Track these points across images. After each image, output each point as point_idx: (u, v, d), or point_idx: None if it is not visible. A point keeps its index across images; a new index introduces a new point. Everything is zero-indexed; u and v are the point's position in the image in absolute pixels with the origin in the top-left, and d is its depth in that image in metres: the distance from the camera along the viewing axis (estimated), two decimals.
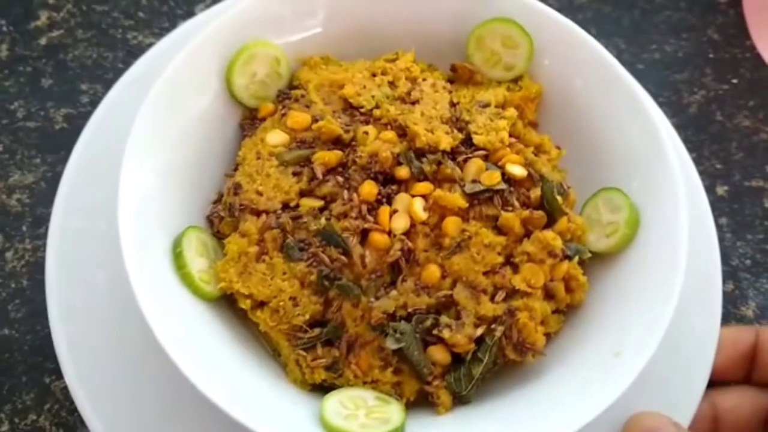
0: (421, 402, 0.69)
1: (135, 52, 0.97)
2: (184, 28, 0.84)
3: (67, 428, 0.79)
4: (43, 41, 0.99)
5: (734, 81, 1.02)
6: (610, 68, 0.74)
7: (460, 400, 0.69)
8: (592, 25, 0.74)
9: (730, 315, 0.88)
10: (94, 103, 0.84)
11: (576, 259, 0.71)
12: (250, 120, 0.79)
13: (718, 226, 0.85)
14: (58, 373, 0.72)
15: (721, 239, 0.82)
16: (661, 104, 0.89)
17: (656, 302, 0.67)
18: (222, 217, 0.73)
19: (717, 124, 1.00)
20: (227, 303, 0.72)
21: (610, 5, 1.04)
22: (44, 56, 0.98)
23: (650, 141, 0.72)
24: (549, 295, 0.70)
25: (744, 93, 1.02)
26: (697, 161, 0.88)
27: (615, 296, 0.71)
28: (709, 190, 0.87)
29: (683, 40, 1.03)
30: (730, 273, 0.91)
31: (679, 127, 0.92)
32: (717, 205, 0.93)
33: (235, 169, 0.76)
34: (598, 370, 0.66)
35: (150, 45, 0.87)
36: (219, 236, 0.74)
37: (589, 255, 0.72)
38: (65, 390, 0.76)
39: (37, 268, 0.83)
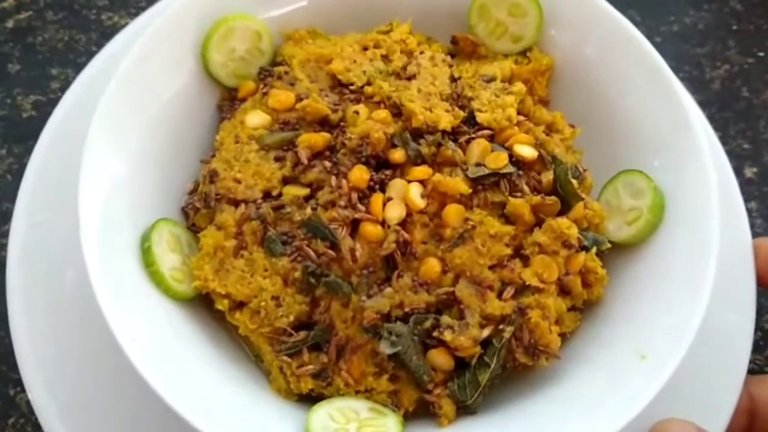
0: (421, 413, 0.61)
1: (110, 34, 0.89)
2: (161, 5, 0.77)
3: None
4: (9, 24, 0.92)
5: (760, 54, 0.94)
6: (627, 35, 0.67)
7: (465, 410, 0.61)
8: None
9: (764, 309, 0.80)
10: (65, 89, 0.76)
11: (594, 250, 0.63)
12: (229, 101, 0.71)
13: (748, 211, 0.77)
14: (23, 385, 0.65)
15: (750, 225, 0.74)
16: (681, 80, 0.81)
17: (685, 299, 0.59)
18: (197, 208, 0.66)
19: (743, 101, 0.92)
20: (203, 303, 0.65)
21: None
22: (11, 40, 0.91)
23: (674, 115, 0.65)
24: (564, 290, 0.63)
25: None
26: (723, 141, 0.81)
27: (638, 292, 0.64)
28: (737, 172, 0.79)
29: (704, 11, 0.96)
30: None
31: (702, 104, 0.84)
32: (745, 189, 0.84)
33: (213, 155, 0.69)
34: (622, 376, 0.58)
35: (126, 26, 0.80)
36: (194, 229, 0.67)
37: (609, 245, 0.64)
38: (31, 403, 0.69)
39: (1, 268, 0.76)
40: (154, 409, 0.55)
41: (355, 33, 0.72)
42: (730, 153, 0.79)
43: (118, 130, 0.64)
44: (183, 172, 0.69)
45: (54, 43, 0.91)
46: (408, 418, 0.61)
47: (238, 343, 0.65)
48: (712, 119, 0.81)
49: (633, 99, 0.68)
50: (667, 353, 0.57)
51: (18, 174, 0.82)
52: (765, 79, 0.93)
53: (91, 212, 0.60)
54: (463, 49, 0.73)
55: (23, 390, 0.71)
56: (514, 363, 0.61)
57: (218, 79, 0.70)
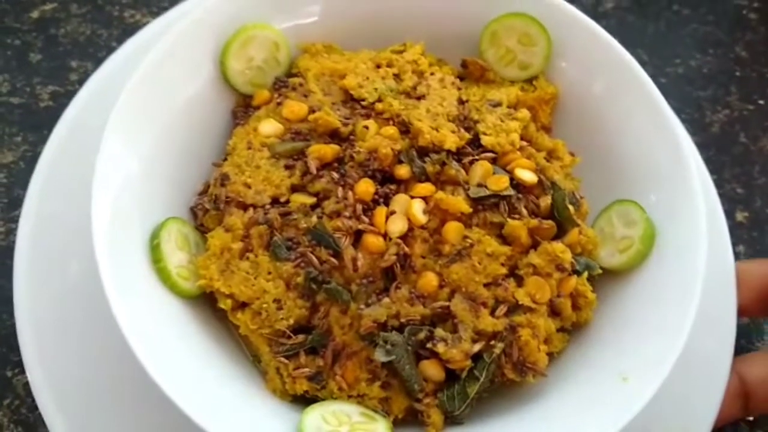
0: (409, 420, 0.63)
1: (131, 31, 0.91)
2: (184, 7, 0.80)
3: (27, 426, 0.73)
4: (35, 14, 0.94)
5: (761, 102, 0.96)
6: (633, 74, 0.69)
7: (452, 420, 0.63)
8: (616, 34, 0.68)
9: (743, 349, 0.82)
10: (83, 81, 0.79)
11: (585, 274, 0.65)
12: (243, 108, 0.73)
13: (736, 254, 0.79)
14: (21, 367, 0.67)
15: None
16: (683, 121, 0.84)
17: (668, 327, 0.62)
18: (206, 209, 0.68)
19: (740, 146, 0.93)
20: (207, 301, 0.67)
21: (634, 14, 0.98)
22: (35, 30, 0.93)
23: (672, 155, 0.67)
24: (554, 311, 0.65)
25: None
26: (718, 184, 0.82)
27: (624, 317, 0.66)
28: (729, 215, 0.80)
29: (709, 55, 0.97)
30: None
31: (701, 147, 0.83)
32: (735, 232, 0.87)
33: (224, 159, 0.71)
34: (604, 396, 0.60)
35: (146, 25, 0.82)
36: (202, 230, 0.69)
37: (600, 271, 0.67)
38: (27, 386, 0.71)
39: (8, 253, 0.77)
40: (151, 397, 0.57)
41: (369, 50, 0.75)
42: (723, 196, 0.81)
43: (134, 128, 0.66)
44: (194, 172, 0.71)
45: (76, 36, 0.93)
46: (397, 424, 0.62)
47: (237, 342, 0.67)
48: (708, 161, 0.83)
49: (633, 136, 0.70)
50: (648, 377, 0.59)
51: (31, 161, 0.84)
52: (763, 126, 0.94)
53: (102, 206, 0.61)
54: (472, 72, 0.75)
55: (21, 372, 0.74)
56: (502, 378, 0.63)
57: (235, 85, 0.72)
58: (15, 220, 0.81)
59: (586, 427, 0.58)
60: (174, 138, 0.70)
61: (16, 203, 0.81)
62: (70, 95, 0.84)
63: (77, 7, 0.95)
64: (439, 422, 0.62)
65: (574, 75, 0.73)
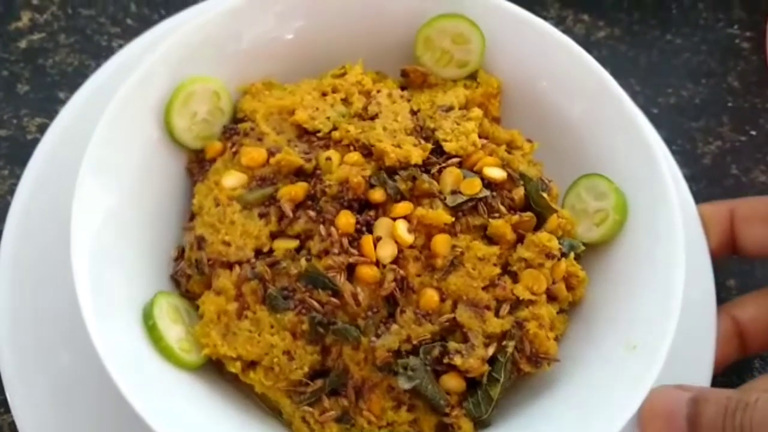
0: None
1: None
2: (157, 30, 0.79)
3: None
4: (22, 44, 0.91)
5: (753, 133, 0.94)
6: (571, 56, 0.71)
7: (480, 425, 0.65)
8: (607, 63, 0.68)
9: None
10: None
11: (572, 255, 0.67)
12: (197, 163, 0.72)
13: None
14: (7, 406, 0.67)
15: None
16: (674, 152, 0.84)
17: (662, 286, 0.64)
18: (189, 276, 0.67)
19: (731, 178, 0.91)
20: (212, 367, 0.66)
21: (626, 44, 0.97)
22: (22, 60, 0.90)
23: (621, 121, 0.70)
24: (551, 297, 0.66)
25: (762, 146, 0.93)
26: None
27: (614, 287, 0.68)
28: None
29: (701, 85, 0.96)
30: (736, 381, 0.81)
31: (692, 179, 0.86)
32: (726, 265, 0.85)
33: (191, 219, 0.70)
34: (618, 368, 0.63)
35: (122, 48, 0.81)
36: (189, 296, 0.68)
37: (583, 248, 0.69)
38: (13, 425, 0.69)
39: None
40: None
41: (309, 79, 0.74)
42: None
43: (95, 213, 0.64)
44: (166, 239, 0.70)
45: (64, 66, 0.90)
46: None
47: (254, 400, 0.67)
48: (699, 194, 0.82)
49: (579, 110, 0.72)
50: (655, 339, 0.62)
51: None
52: (755, 158, 0.93)
53: (88, 295, 0.60)
54: (413, 80, 0.75)
55: (7, 411, 0.72)
56: (518, 373, 0.65)
57: (184, 143, 0.71)
58: None
59: (611, 403, 0.60)
60: (136, 212, 0.68)
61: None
62: None
63: (65, 37, 0.92)
64: (469, 429, 0.63)
65: (511, 63, 0.74)
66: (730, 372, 0.79)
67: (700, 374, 0.72)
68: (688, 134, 0.93)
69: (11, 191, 0.82)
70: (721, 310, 0.75)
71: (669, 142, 0.86)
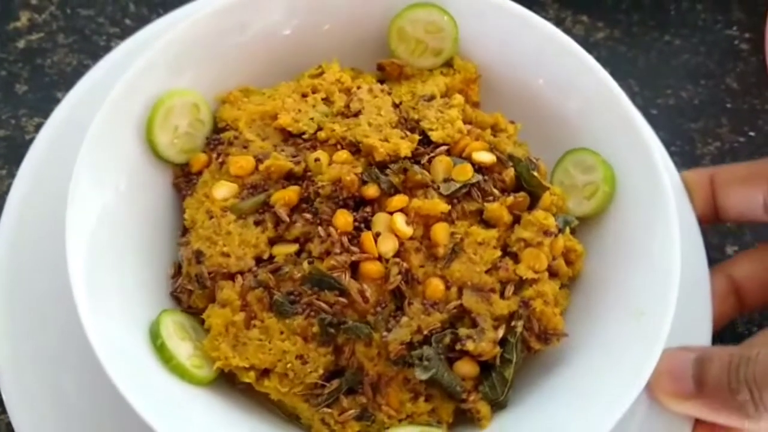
0: (459, 420, 0.65)
1: None
2: (152, 27, 0.80)
3: None
4: (21, 44, 0.91)
5: (751, 134, 0.93)
6: (549, 38, 0.72)
7: (497, 406, 0.65)
8: (607, 64, 0.67)
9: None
10: None
11: (567, 230, 0.68)
12: (184, 177, 0.71)
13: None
14: (3, 407, 0.68)
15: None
16: (672, 154, 0.84)
17: (661, 251, 0.65)
18: (191, 291, 0.66)
19: None
20: (223, 379, 0.65)
21: (625, 45, 0.97)
22: (21, 60, 0.91)
23: (600, 95, 0.71)
24: (552, 273, 0.67)
25: (761, 147, 0.92)
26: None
27: (611, 257, 0.69)
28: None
29: (700, 86, 0.96)
30: (736, 339, 0.82)
31: None
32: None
33: (183, 234, 0.69)
34: (629, 335, 0.64)
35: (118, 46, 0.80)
36: (192, 311, 0.67)
37: (577, 223, 0.70)
38: (10, 426, 0.68)
39: None
40: None
41: (286, 81, 0.74)
42: (713, 229, 0.83)
43: (90, 240, 0.63)
44: (160, 257, 0.70)
45: (63, 66, 0.90)
46: (450, 428, 0.64)
47: (268, 409, 0.66)
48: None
49: (558, 89, 0.73)
50: (661, 303, 0.63)
51: None
52: (754, 158, 0.91)
53: (91, 319, 0.60)
54: (390, 73, 0.76)
55: (3, 411, 0.71)
56: (529, 352, 0.66)
57: (168, 158, 0.70)
58: None
59: (626, 370, 0.61)
60: (129, 233, 0.68)
61: None
62: None
63: (64, 36, 0.92)
64: (488, 413, 0.64)
65: (488, 47, 0.75)
66: (731, 329, 0.81)
67: (701, 334, 0.73)
68: (687, 135, 0.93)
69: (9, 191, 0.80)
70: (716, 269, 0.76)
71: (668, 143, 0.86)
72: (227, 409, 0.64)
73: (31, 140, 0.83)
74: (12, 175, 0.82)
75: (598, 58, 0.71)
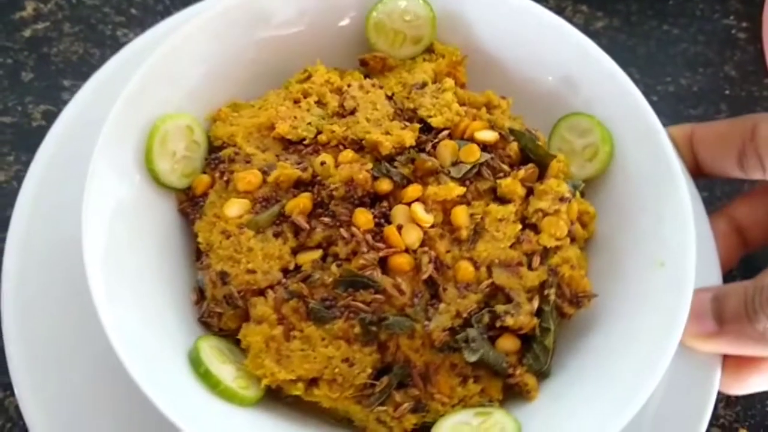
0: (507, 396, 0.66)
1: None
2: (169, 22, 0.79)
3: None
4: (27, 33, 0.92)
5: None
6: (532, 17, 0.74)
7: (541, 377, 0.66)
8: (607, 53, 0.69)
9: None
10: None
11: (578, 194, 0.69)
12: (189, 202, 0.70)
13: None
14: (12, 389, 0.67)
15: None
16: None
17: (671, 199, 0.67)
18: (220, 313, 0.65)
19: None
20: (267, 396, 0.64)
21: (625, 34, 0.99)
22: (27, 49, 0.91)
23: (583, 54, 0.73)
24: (571, 238, 0.68)
25: None
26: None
27: (619, 215, 0.71)
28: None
29: (699, 74, 0.98)
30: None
31: None
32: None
33: (198, 259, 0.68)
34: (655, 286, 0.65)
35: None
36: (223, 334, 0.66)
37: (583, 185, 0.71)
38: (19, 408, 0.68)
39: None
40: (150, 423, 0.60)
41: (273, 90, 0.73)
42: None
43: (111, 281, 0.62)
44: (178, 286, 0.68)
45: (68, 55, 0.91)
46: (501, 405, 0.65)
47: (317, 418, 0.66)
48: (699, 180, 0.81)
49: (544, 62, 0.75)
50: (679, 247, 0.65)
51: (23, 181, 0.77)
52: None
53: (132, 359, 0.58)
54: (374, 67, 0.76)
55: (13, 394, 0.72)
56: (563, 318, 0.67)
57: (170, 185, 0.69)
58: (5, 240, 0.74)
59: (662, 322, 0.63)
60: (144, 267, 0.66)
61: (8, 223, 0.74)
62: None
63: (70, 26, 0.93)
64: (535, 384, 0.65)
65: (469, 30, 0.76)
66: (743, 268, 0.84)
67: (711, 278, 0.75)
68: (687, 121, 0.91)
69: (17, 177, 0.84)
70: (716, 214, 0.79)
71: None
72: (279, 424, 0.63)
73: (37, 127, 0.86)
74: (19, 162, 0.85)
75: (598, 47, 0.73)
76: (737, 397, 0.83)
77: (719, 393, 0.71)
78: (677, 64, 0.99)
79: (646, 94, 0.71)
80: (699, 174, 0.79)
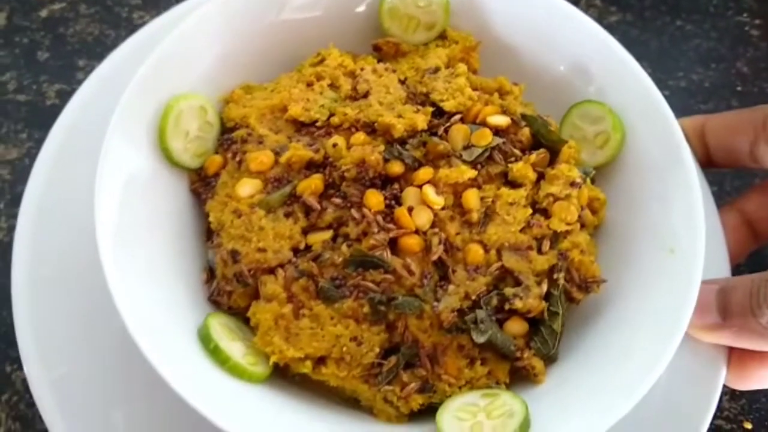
0: (515, 379, 0.66)
1: None
2: (184, 6, 0.79)
3: (25, 422, 0.75)
4: (43, 13, 0.95)
5: None
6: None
7: (548, 360, 0.66)
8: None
9: None
10: None
11: (588, 180, 0.70)
12: (201, 182, 0.70)
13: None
14: (20, 363, 0.68)
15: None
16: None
17: (680, 187, 0.67)
18: (230, 292, 0.66)
19: None
20: (275, 374, 0.65)
21: (638, 29, 1.00)
22: (43, 29, 0.94)
23: (596, 41, 0.73)
24: (581, 224, 0.69)
25: None
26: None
27: (629, 202, 0.71)
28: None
29: (711, 70, 0.99)
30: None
31: None
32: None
33: (209, 238, 0.69)
34: (665, 272, 0.65)
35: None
36: (232, 312, 0.66)
37: (594, 172, 0.71)
38: (26, 382, 0.68)
39: (10, 249, 0.72)
40: (156, 395, 0.61)
41: (285, 73, 0.74)
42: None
43: (125, 259, 0.62)
44: (189, 265, 0.69)
45: (84, 35, 0.94)
46: (507, 388, 0.65)
47: (324, 397, 0.66)
48: (709, 174, 0.81)
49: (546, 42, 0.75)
50: (690, 238, 0.65)
51: (35, 158, 0.78)
52: None
53: (143, 337, 0.59)
54: (387, 52, 0.76)
55: (20, 368, 0.75)
56: (571, 303, 0.67)
57: (183, 164, 0.69)
58: (18, 216, 0.75)
59: (671, 305, 0.63)
60: (157, 247, 0.67)
61: (20, 200, 0.75)
62: None
63: (86, 7, 0.95)
64: (542, 368, 0.65)
65: (483, 17, 0.76)
66: (752, 262, 0.83)
67: (719, 270, 0.75)
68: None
69: (29, 154, 0.86)
70: (726, 206, 0.79)
71: None
72: (286, 401, 0.63)
73: (51, 106, 0.88)
74: (32, 139, 0.87)
75: None
76: (742, 391, 0.82)
77: (724, 386, 0.71)
78: (689, 59, 0.99)
79: (658, 89, 0.71)
80: (710, 165, 0.79)
